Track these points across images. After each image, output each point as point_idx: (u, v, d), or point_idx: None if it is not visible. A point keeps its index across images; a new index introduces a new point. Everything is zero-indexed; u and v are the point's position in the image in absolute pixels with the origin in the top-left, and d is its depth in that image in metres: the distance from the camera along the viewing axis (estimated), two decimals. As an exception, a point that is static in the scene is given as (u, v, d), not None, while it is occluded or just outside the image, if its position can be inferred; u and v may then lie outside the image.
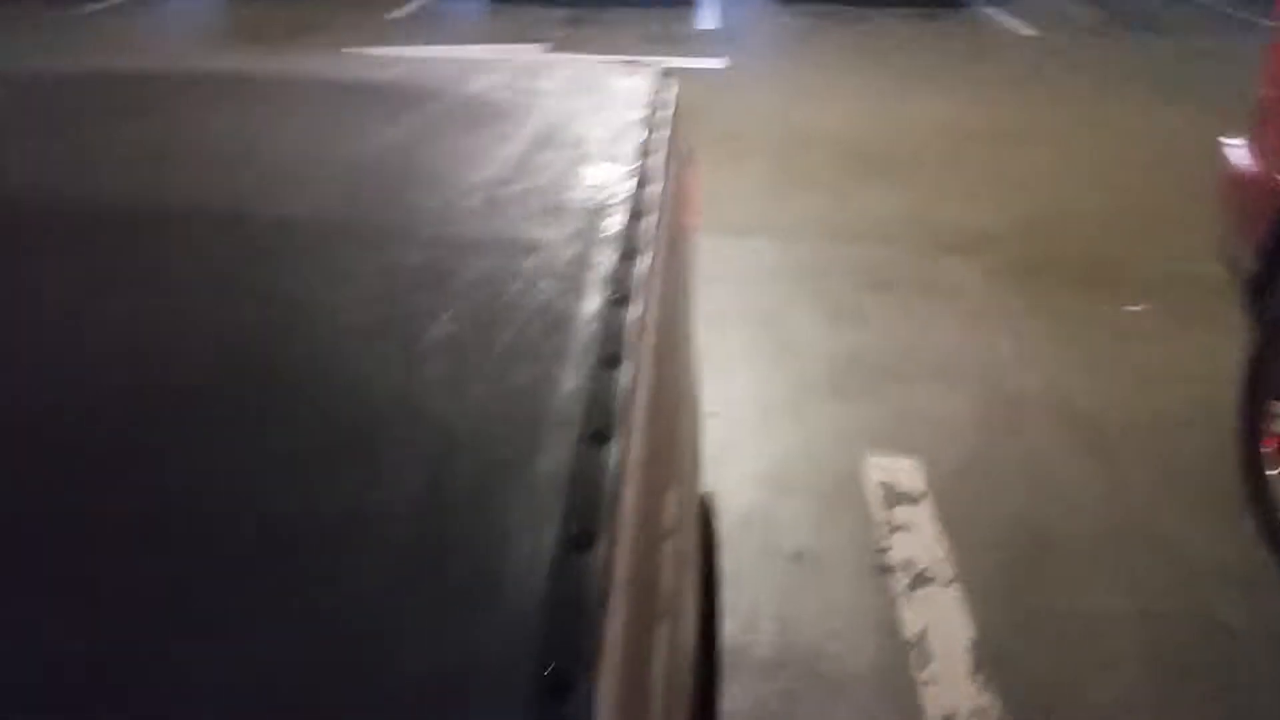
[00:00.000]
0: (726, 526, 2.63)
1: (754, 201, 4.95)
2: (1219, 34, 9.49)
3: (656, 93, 1.76)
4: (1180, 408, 3.25)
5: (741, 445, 3.01)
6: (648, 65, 2.01)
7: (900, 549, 2.61)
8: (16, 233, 1.14)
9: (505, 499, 0.77)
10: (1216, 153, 3.08)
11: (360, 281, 1.07)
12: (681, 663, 1.05)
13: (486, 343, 0.96)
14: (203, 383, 0.89)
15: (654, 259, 1.18)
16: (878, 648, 2.31)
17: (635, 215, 1.27)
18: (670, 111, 1.68)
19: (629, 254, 1.14)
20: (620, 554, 0.79)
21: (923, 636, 2.34)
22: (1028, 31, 9.51)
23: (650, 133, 1.56)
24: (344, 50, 5.97)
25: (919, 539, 2.65)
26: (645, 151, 1.48)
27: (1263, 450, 2.69)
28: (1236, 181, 3.01)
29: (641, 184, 1.36)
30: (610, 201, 1.29)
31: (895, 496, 2.81)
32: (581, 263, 1.11)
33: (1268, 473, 2.67)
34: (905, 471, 2.91)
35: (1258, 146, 2.95)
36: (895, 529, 2.69)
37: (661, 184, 1.40)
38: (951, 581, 2.51)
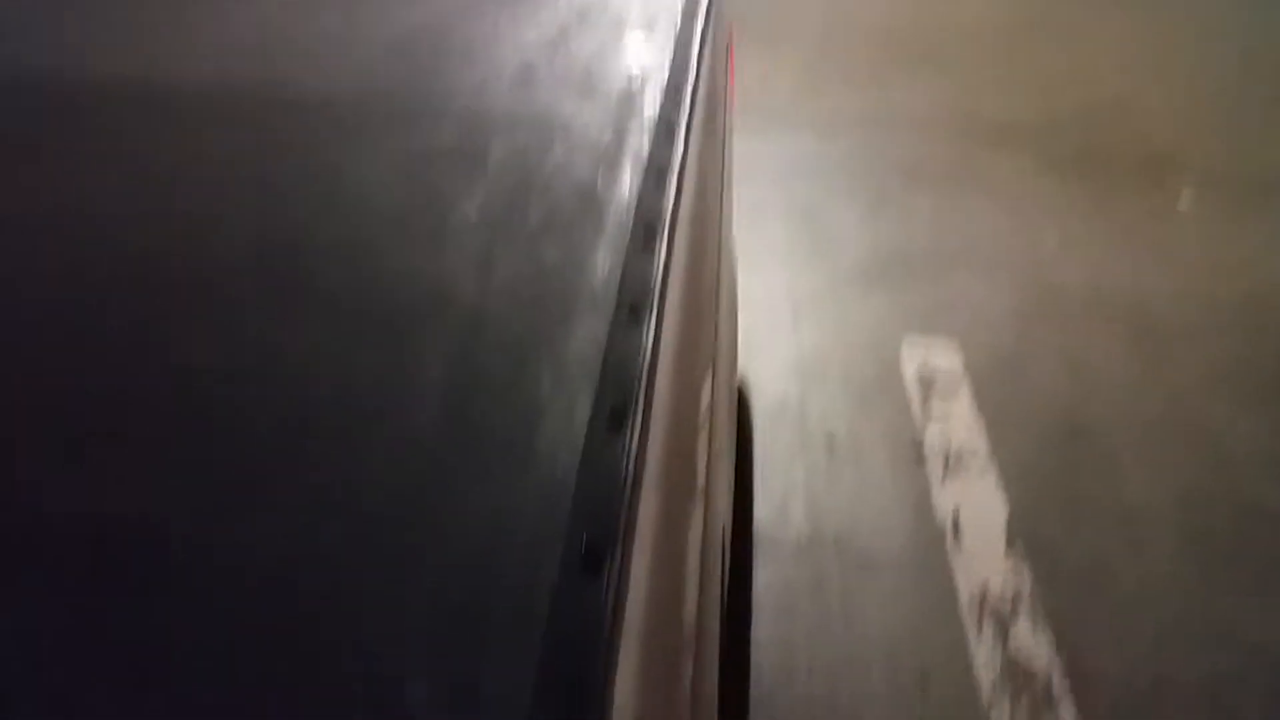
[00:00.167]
0: (761, 413, 2.64)
1: (793, 93, 4.80)
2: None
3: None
4: (1228, 300, 3.18)
5: (778, 333, 2.99)
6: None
7: (935, 434, 2.61)
8: (41, 113, 1.13)
9: (537, 377, 0.77)
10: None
11: (391, 160, 1.06)
12: (715, 545, 1.06)
13: (519, 221, 0.95)
14: (231, 264, 0.89)
15: (691, 139, 1.15)
16: (911, 530, 2.33)
17: (673, 94, 1.24)
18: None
19: (666, 134, 1.11)
20: (654, 433, 0.79)
21: (956, 519, 2.36)
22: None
23: (688, 9, 1.51)
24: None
25: (955, 424, 2.65)
26: (682, 29, 1.43)
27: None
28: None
29: (679, 62, 1.32)
30: (647, 80, 1.25)
31: (932, 382, 2.80)
32: (617, 141, 1.09)
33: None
34: (943, 358, 2.88)
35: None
36: (931, 414, 2.68)
37: (699, 62, 1.36)
38: (987, 466, 2.52)
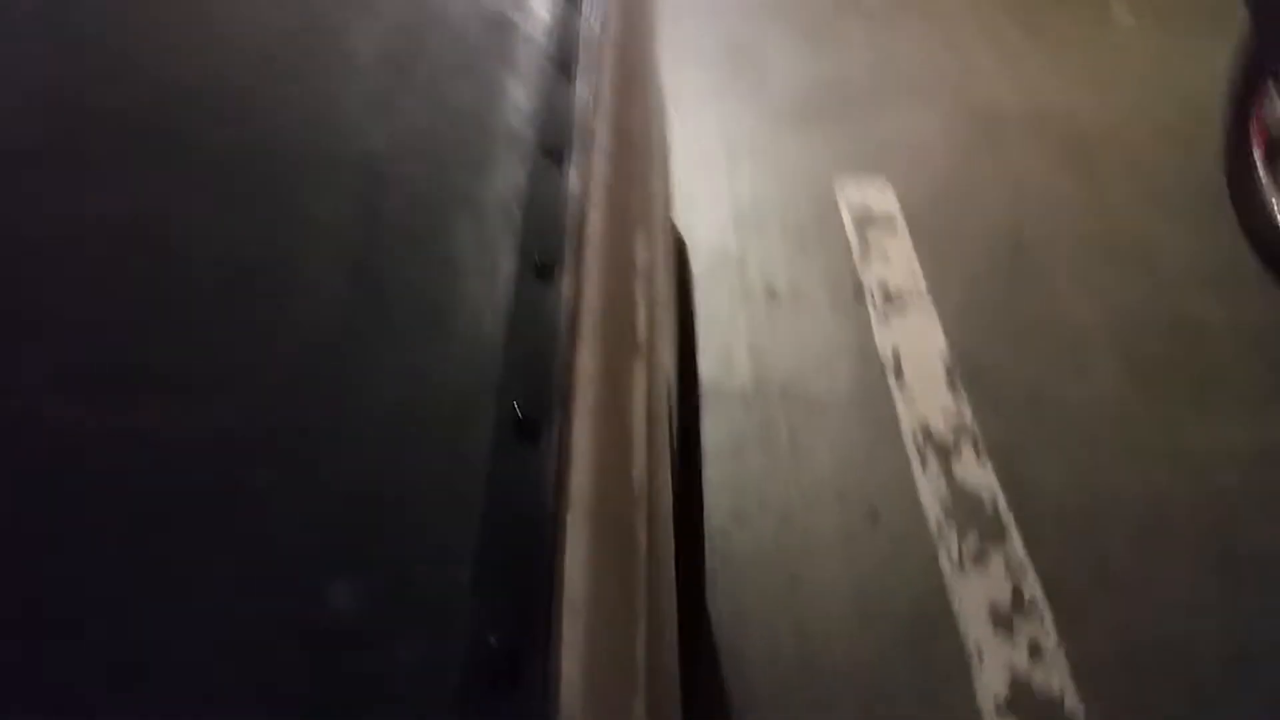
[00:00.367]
0: (699, 262, 2.58)
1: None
2: None
3: None
4: (1167, 117, 3.14)
5: (713, 179, 2.90)
6: None
7: (875, 273, 2.58)
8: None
9: (452, 229, 0.69)
10: None
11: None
12: (661, 401, 1.01)
13: (420, 57, 0.84)
14: (101, 117, 0.78)
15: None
16: (854, 371, 2.32)
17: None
18: None
19: (577, -50, 0.99)
20: (588, 284, 0.72)
21: (898, 356, 2.35)
22: None
23: None
24: None
25: (894, 262, 2.61)
26: None
27: (1251, 138, 2.62)
28: None
29: None
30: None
31: (869, 221, 2.75)
32: (524, -38, 0.97)
33: (1254, 163, 2.61)
34: (879, 195, 2.83)
35: None
36: (870, 254, 2.64)
37: None
38: (926, 300, 2.50)
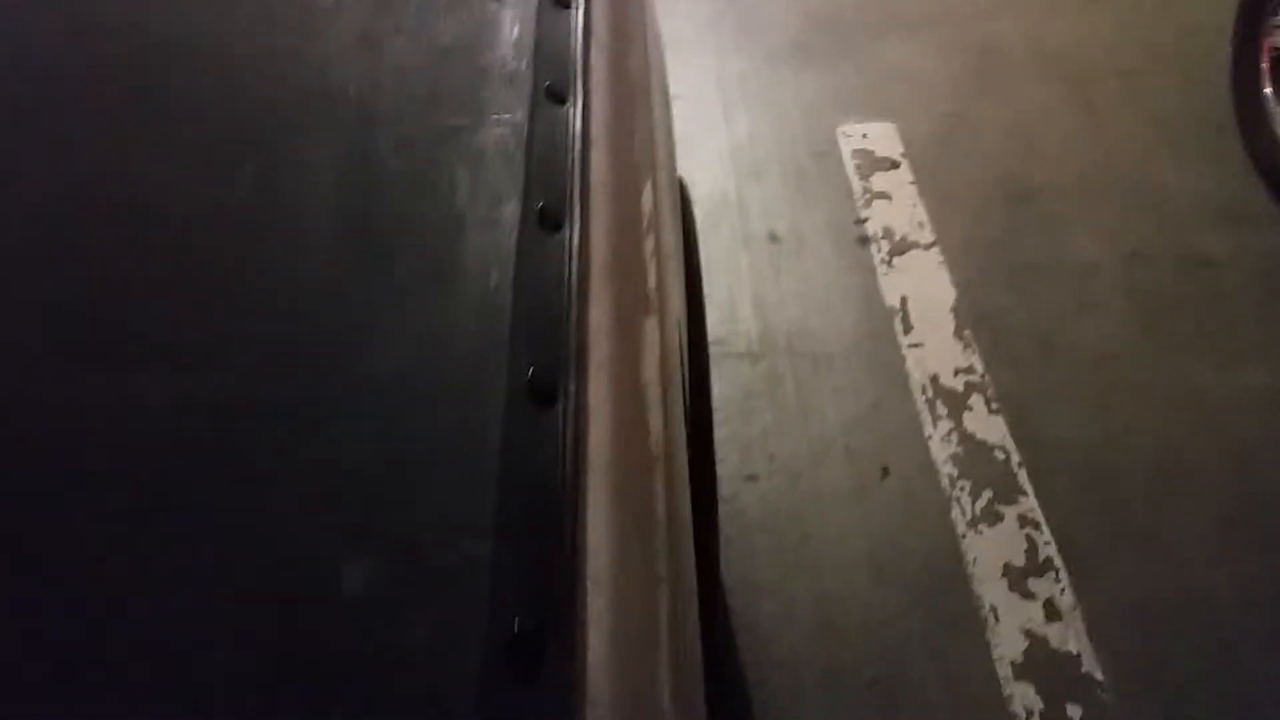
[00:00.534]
0: (701, 214, 2.51)
1: None
2: None
3: None
4: (1171, 40, 3.04)
5: (710, 124, 2.81)
6: None
7: (879, 218, 2.51)
8: None
9: (451, 175, 0.63)
10: None
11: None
12: (673, 355, 0.95)
13: (405, -12, 0.78)
14: (82, 69, 0.71)
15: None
16: (860, 320, 2.26)
17: None
18: None
19: None
20: (596, 232, 0.66)
21: (904, 303, 2.30)
22: None
23: None
24: None
25: (898, 206, 2.54)
26: None
27: (1260, 66, 2.54)
28: None
29: None
30: None
31: (871, 164, 2.67)
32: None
33: (1264, 91, 2.54)
34: (881, 137, 2.75)
35: None
36: (873, 198, 2.57)
37: None
38: (932, 245, 2.43)
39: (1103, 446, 2.00)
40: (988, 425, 2.04)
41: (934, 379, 2.13)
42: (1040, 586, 1.77)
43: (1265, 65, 2.54)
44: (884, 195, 2.57)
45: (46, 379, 0.54)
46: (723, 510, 1.86)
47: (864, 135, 2.75)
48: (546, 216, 0.62)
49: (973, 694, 1.67)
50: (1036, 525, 1.86)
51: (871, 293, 2.32)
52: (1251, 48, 2.56)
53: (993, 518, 1.87)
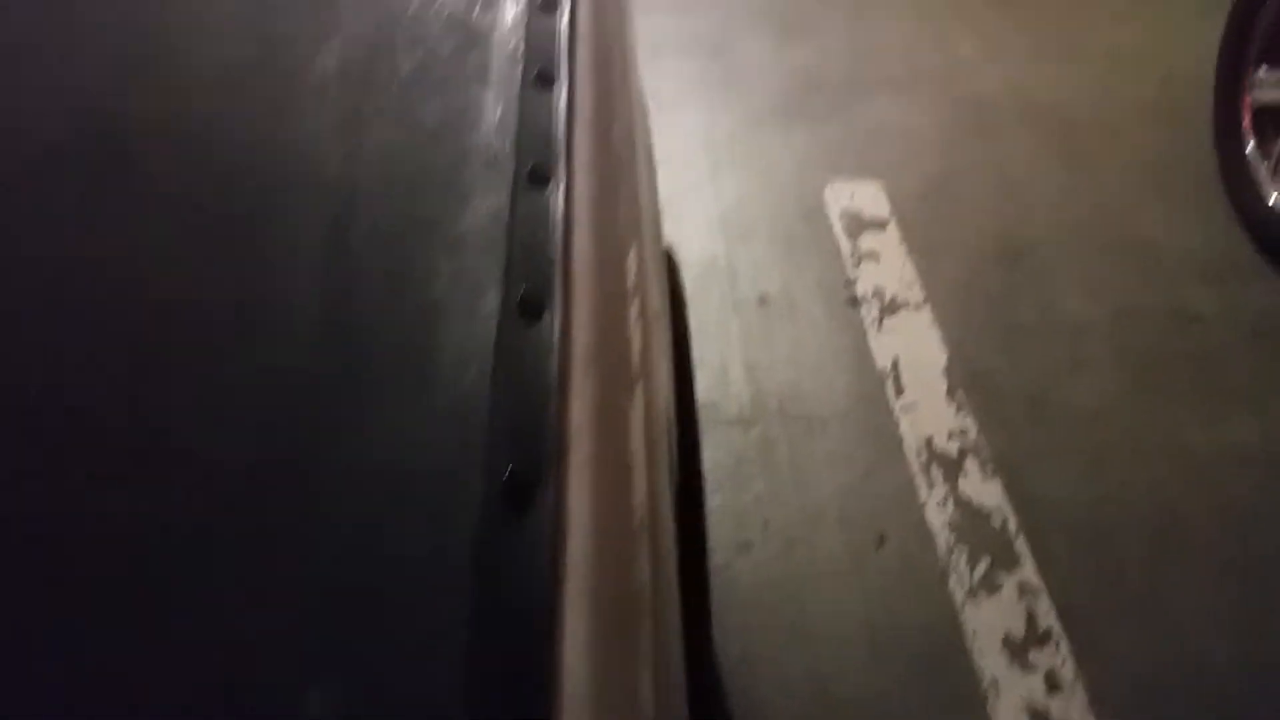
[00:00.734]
0: (690, 277, 2.50)
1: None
2: None
3: None
4: (1153, 93, 3.08)
5: (700, 188, 2.82)
6: None
7: (869, 279, 2.51)
8: None
9: (430, 264, 0.61)
10: None
11: (221, 9, 0.85)
12: (660, 430, 0.93)
13: (388, 70, 0.76)
14: (36, 148, 0.69)
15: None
16: (852, 383, 2.25)
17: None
18: None
19: (551, -50, 0.92)
20: (578, 318, 0.64)
21: (896, 365, 2.28)
22: None
23: None
24: None
25: (887, 266, 2.54)
26: None
27: (1242, 122, 2.57)
28: None
29: None
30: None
31: (860, 224, 2.67)
32: (493, -36, 0.90)
33: (1246, 147, 2.56)
34: (869, 196, 2.75)
35: None
36: (862, 258, 2.57)
37: None
38: (922, 305, 2.43)
39: (1099, 507, 1.98)
40: (983, 488, 2.01)
41: (928, 442, 2.10)
42: (1041, 658, 1.73)
43: (1247, 121, 2.57)
44: (873, 255, 2.57)
45: None
46: (717, 581, 1.82)
47: (852, 195, 2.76)
48: (527, 305, 0.60)
49: (976, 771, 1.62)
50: (1036, 593, 1.82)
51: (863, 354, 2.31)
52: (1233, 104, 2.60)
53: (991, 586, 1.84)
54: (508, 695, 0.45)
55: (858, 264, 2.55)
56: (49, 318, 0.57)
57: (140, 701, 0.43)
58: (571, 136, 0.75)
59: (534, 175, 0.68)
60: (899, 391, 2.22)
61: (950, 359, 2.29)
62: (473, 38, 0.80)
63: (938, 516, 1.95)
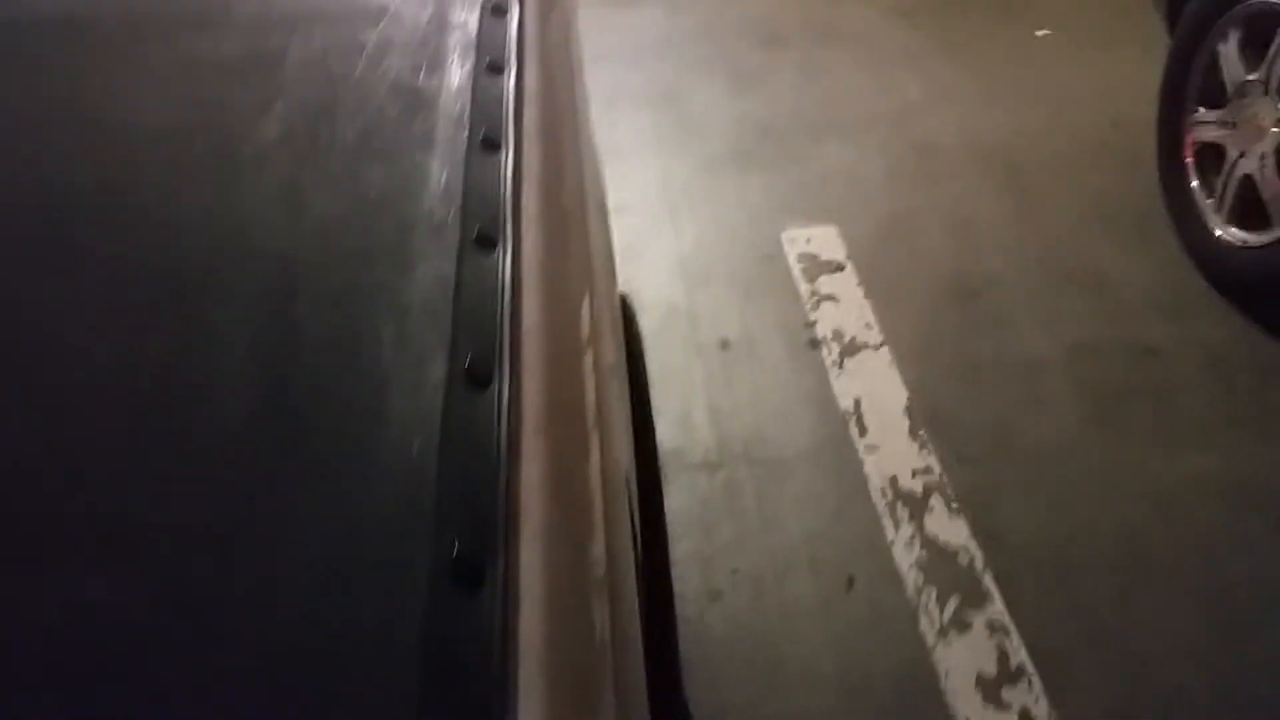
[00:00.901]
0: (651, 323, 2.50)
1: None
2: None
3: None
4: (1098, 134, 3.15)
5: (658, 235, 2.84)
6: None
7: (827, 321, 2.52)
8: None
9: (374, 334, 0.60)
10: None
11: (167, 76, 0.85)
12: (617, 481, 0.92)
13: (330, 139, 0.76)
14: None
15: (529, 16, 0.97)
16: (815, 425, 2.25)
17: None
18: None
19: (497, 9, 0.92)
20: (529, 381, 0.63)
21: (858, 406, 2.29)
22: None
23: None
24: None
25: (845, 308, 2.56)
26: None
27: (1184, 159, 2.63)
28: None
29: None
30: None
31: (817, 267, 2.70)
32: (437, 29, 0.90)
33: (1190, 183, 2.62)
34: (825, 240, 2.78)
35: None
36: (821, 300, 2.59)
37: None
38: (881, 346, 2.44)
39: (1065, 541, 1.98)
40: (950, 527, 2.01)
41: (893, 481, 2.11)
42: (1014, 696, 1.72)
43: (1190, 159, 2.63)
44: (831, 298, 2.59)
45: None
46: (687, 631, 1.80)
47: (808, 238, 2.79)
48: (474, 372, 0.59)
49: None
50: (1006, 631, 1.82)
51: (825, 396, 2.32)
52: (1176, 143, 2.66)
53: (962, 625, 1.83)
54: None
55: (817, 306, 2.57)
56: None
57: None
58: (519, 198, 0.74)
59: (480, 239, 0.67)
60: (862, 432, 2.23)
61: (911, 398, 2.30)
62: (418, 102, 0.80)
63: (905, 557, 1.95)
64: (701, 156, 3.17)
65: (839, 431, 2.23)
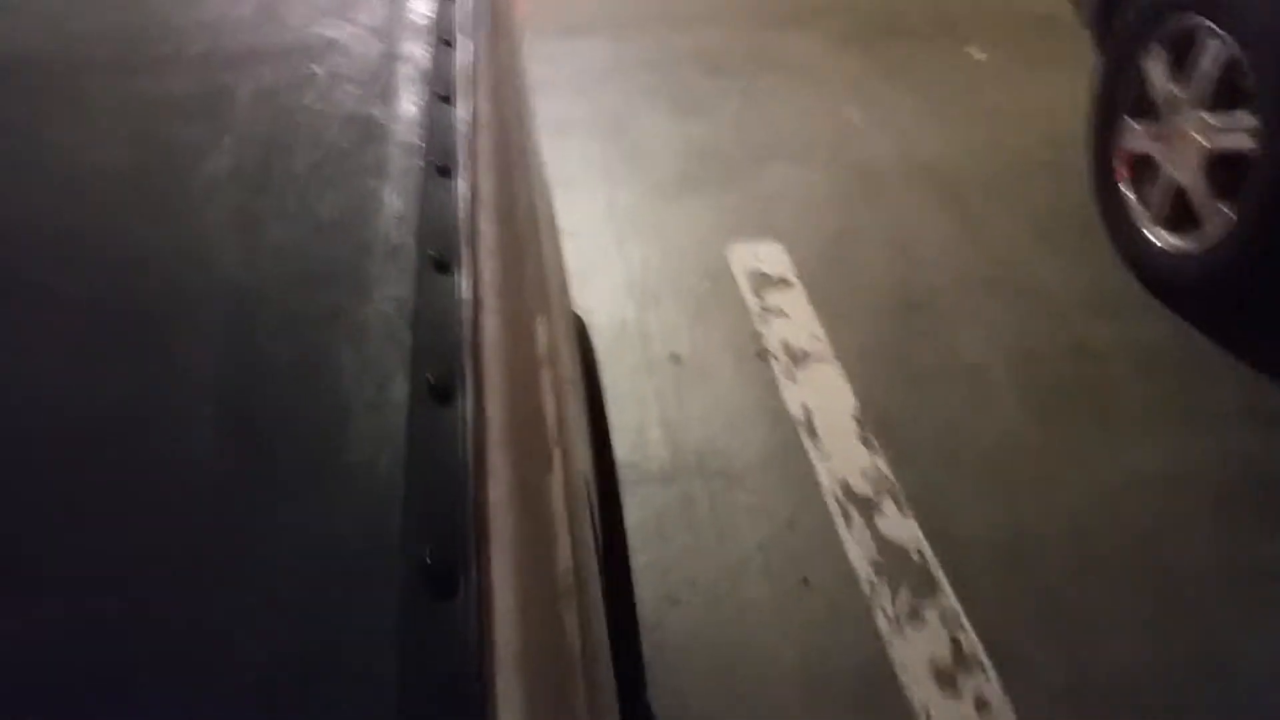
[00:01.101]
0: (603, 343, 2.54)
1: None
2: None
3: None
4: (1034, 148, 3.28)
5: (607, 258, 2.88)
6: None
7: (776, 334, 2.58)
8: None
9: (334, 358, 0.63)
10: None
11: (114, 114, 0.86)
12: (579, 493, 0.95)
13: (283, 170, 0.78)
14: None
15: (478, 46, 1.00)
16: (767, 434, 2.30)
17: (445, 2, 1.07)
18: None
19: (446, 41, 0.95)
20: (490, 396, 0.66)
21: (809, 415, 2.34)
22: None
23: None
24: None
25: (793, 321, 2.62)
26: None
27: (1117, 170, 2.74)
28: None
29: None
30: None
31: (764, 283, 2.75)
32: (387, 63, 0.93)
33: (1123, 192, 2.72)
34: (771, 256, 2.85)
35: None
36: (769, 315, 2.64)
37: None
38: (829, 356, 2.50)
39: (1013, 537, 2.05)
40: (901, 527, 2.07)
41: (844, 486, 2.16)
42: (968, 681, 1.78)
43: (1120, 169, 2.73)
44: (779, 312, 2.65)
45: None
46: (648, 638, 1.83)
47: (755, 255, 2.85)
48: (437, 388, 0.62)
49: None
50: (958, 620, 1.88)
51: (776, 407, 2.37)
52: (1106, 154, 2.77)
53: (916, 619, 1.88)
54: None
55: (765, 320, 2.63)
56: None
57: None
58: (474, 222, 0.77)
59: (438, 262, 0.70)
60: (813, 439, 2.28)
61: (860, 407, 2.36)
62: (371, 132, 0.82)
63: (859, 555, 2.00)
64: (648, 182, 3.22)
65: (790, 440, 2.28)
